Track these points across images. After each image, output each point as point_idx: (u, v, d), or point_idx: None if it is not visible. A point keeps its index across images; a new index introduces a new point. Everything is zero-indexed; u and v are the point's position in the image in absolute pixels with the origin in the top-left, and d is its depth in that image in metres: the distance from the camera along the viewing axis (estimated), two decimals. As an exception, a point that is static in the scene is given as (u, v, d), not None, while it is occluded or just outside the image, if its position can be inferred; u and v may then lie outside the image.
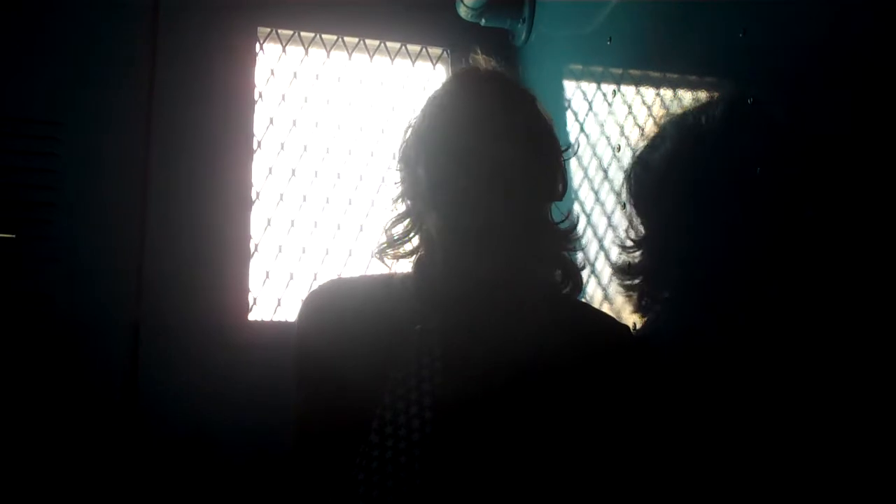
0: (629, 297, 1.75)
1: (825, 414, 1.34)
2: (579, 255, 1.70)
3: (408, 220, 1.62)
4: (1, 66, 2.44)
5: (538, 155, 1.55)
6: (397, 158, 1.63)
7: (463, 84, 1.62)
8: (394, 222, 1.64)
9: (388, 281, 1.61)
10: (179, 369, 2.39)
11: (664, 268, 1.69)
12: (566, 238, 1.60)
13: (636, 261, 1.75)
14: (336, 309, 1.58)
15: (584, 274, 1.65)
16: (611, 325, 1.63)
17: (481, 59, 1.70)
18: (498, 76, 1.64)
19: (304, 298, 1.66)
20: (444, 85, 1.65)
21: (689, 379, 1.57)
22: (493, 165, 1.47)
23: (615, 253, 1.85)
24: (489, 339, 1.48)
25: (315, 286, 1.67)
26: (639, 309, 1.73)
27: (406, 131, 1.63)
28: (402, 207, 1.63)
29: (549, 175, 1.58)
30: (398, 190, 1.64)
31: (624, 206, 1.84)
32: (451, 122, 1.53)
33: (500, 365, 1.45)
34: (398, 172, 1.63)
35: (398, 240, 1.63)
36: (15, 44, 2.46)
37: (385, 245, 1.64)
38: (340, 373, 1.49)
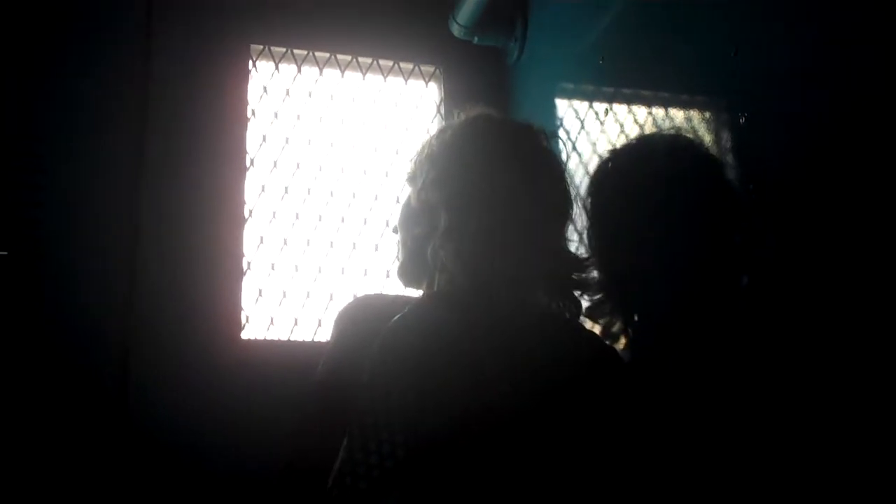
0: (595, 319, 1.73)
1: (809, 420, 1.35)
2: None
3: (427, 250, 1.61)
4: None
5: (556, 216, 1.60)
6: (418, 189, 1.62)
7: (498, 139, 1.64)
8: (412, 250, 1.65)
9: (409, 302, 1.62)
10: (171, 387, 2.38)
11: (628, 290, 1.68)
12: (575, 275, 1.62)
13: (598, 280, 1.73)
14: (369, 320, 1.60)
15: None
16: (602, 345, 1.63)
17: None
18: (532, 134, 1.65)
19: (343, 305, 1.70)
20: (477, 131, 1.65)
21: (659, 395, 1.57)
22: (518, 224, 1.53)
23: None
24: (490, 356, 1.48)
25: (350, 301, 1.72)
26: (608, 335, 1.71)
27: (426, 162, 1.63)
28: (416, 235, 1.63)
29: (560, 232, 1.63)
30: (416, 219, 1.63)
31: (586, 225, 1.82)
32: (486, 176, 1.56)
33: (496, 376, 1.45)
34: (421, 203, 1.62)
35: (413, 264, 1.65)
36: (9, 63, 2.46)
37: (404, 269, 1.67)
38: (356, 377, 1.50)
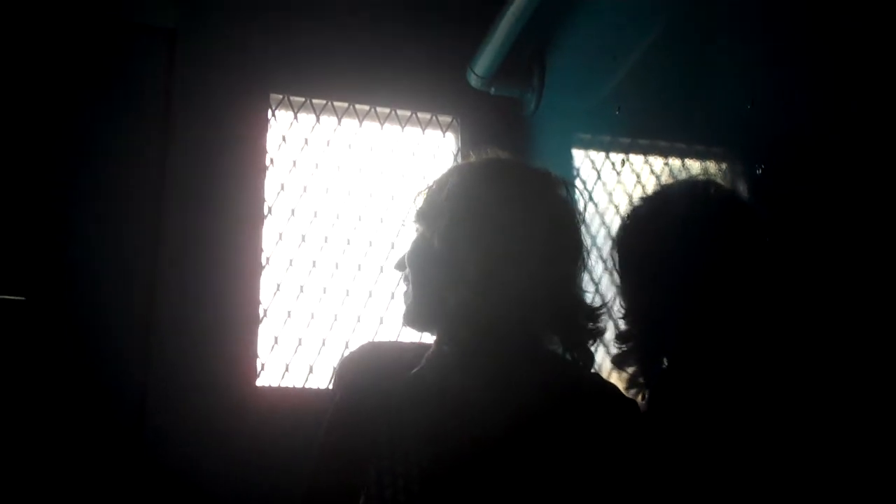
0: (622, 367, 1.73)
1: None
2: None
3: (443, 294, 1.60)
4: (21, 129, 2.48)
5: (573, 266, 1.60)
6: (440, 231, 1.60)
7: (507, 182, 1.63)
8: (427, 293, 1.63)
9: (423, 350, 1.61)
10: (186, 431, 2.38)
11: (657, 338, 1.68)
12: (589, 324, 1.61)
13: (627, 328, 1.74)
14: (372, 370, 1.60)
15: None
16: (610, 390, 1.63)
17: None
18: (541, 177, 1.65)
19: (346, 355, 1.68)
20: (490, 178, 1.65)
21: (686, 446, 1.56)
22: (539, 274, 1.52)
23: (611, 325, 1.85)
24: (497, 407, 1.48)
25: (352, 349, 1.69)
26: (633, 385, 1.71)
27: (445, 203, 1.62)
28: (433, 276, 1.62)
29: (577, 283, 1.63)
30: (435, 260, 1.62)
31: (612, 275, 1.83)
32: (510, 225, 1.55)
33: (506, 432, 1.45)
34: (443, 245, 1.60)
35: (431, 308, 1.62)
36: (34, 113, 2.50)
37: (417, 312, 1.63)
38: (365, 429, 1.50)
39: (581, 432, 1.47)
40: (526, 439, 1.44)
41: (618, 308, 1.72)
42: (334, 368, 1.68)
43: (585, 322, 1.59)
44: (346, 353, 1.70)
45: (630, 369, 1.68)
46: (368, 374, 1.60)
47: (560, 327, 1.57)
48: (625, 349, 1.68)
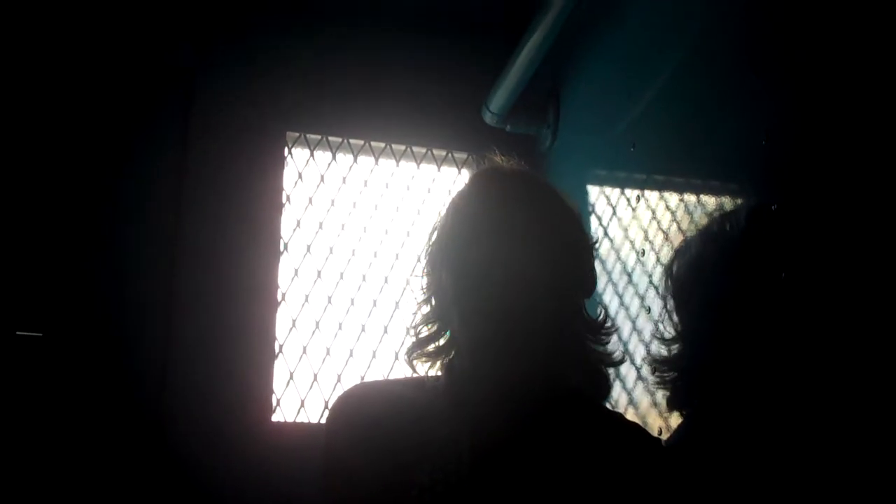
0: (665, 389, 1.74)
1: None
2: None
3: (435, 323, 1.59)
4: (38, 169, 2.51)
5: (563, 254, 1.52)
6: (423, 260, 1.62)
7: (483, 186, 1.60)
8: (421, 324, 1.61)
9: (419, 384, 1.58)
10: (203, 468, 2.38)
11: (695, 369, 1.69)
12: (596, 336, 1.58)
13: (673, 354, 1.75)
14: (365, 414, 1.55)
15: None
16: (634, 428, 1.61)
17: (499, 159, 1.68)
18: (518, 174, 1.63)
19: (332, 404, 1.63)
20: (465, 187, 1.63)
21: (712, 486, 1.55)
22: (516, 271, 1.46)
23: (655, 345, 1.85)
24: (518, 445, 1.46)
25: (343, 391, 1.64)
26: (672, 406, 1.72)
27: (431, 234, 1.63)
28: (427, 309, 1.61)
29: (576, 272, 1.56)
30: (424, 291, 1.62)
31: (664, 300, 1.84)
32: (472, 227, 1.52)
33: (529, 473, 1.43)
34: (424, 274, 1.62)
35: (425, 342, 1.60)
36: (52, 146, 2.53)
37: (413, 347, 1.60)
38: (369, 480, 1.47)
39: (606, 468, 1.46)
40: (547, 475, 1.43)
41: (663, 336, 1.74)
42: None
43: (592, 341, 1.57)
44: (336, 402, 1.59)
45: (670, 396, 1.70)
46: (365, 418, 1.55)
47: (565, 353, 1.55)
48: (667, 377, 1.70)
